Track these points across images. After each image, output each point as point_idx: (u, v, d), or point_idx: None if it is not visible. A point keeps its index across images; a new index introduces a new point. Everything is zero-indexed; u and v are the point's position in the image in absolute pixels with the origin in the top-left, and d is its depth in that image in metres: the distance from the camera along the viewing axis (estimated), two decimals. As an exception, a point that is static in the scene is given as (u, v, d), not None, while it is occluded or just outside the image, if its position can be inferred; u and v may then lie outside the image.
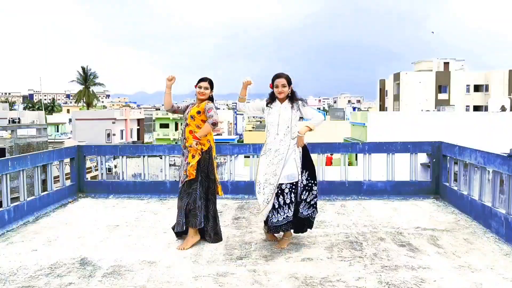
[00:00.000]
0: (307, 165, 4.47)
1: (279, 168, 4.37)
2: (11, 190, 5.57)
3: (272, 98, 4.51)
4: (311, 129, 4.42)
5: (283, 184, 4.36)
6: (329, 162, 24.69)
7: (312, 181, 4.47)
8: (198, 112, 4.67)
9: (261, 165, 4.51)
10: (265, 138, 4.58)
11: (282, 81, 4.41)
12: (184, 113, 4.86)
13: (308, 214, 4.47)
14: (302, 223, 4.53)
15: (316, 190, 4.50)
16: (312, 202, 4.47)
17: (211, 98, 4.77)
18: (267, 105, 4.53)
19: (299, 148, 4.45)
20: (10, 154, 19.23)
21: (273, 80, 4.47)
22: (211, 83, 4.75)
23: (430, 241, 4.67)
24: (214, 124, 4.66)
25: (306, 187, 4.44)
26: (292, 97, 4.47)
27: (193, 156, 4.64)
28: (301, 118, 4.54)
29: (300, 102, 4.48)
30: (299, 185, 4.41)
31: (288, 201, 4.36)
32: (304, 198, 4.43)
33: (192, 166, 4.60)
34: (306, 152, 4.50)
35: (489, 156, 5.20)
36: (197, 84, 4.75)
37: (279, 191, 4.37)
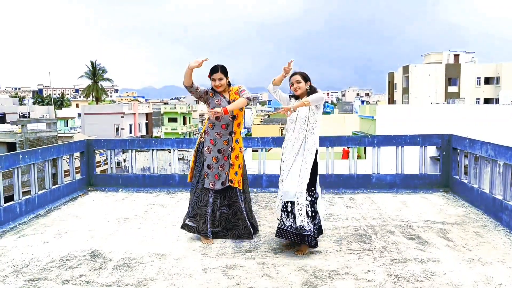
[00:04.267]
0: (314, 178, 4.24)
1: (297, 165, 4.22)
2: (22, 183, 5.64)
3: (295, 96, 4.44)
4: (305, 104, 4.23)
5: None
6: (345, 155, 24.51)
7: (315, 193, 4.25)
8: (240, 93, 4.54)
9: (282, 159, 4.40)
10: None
11: (296, 77, 4.35)
12: (204, 98, 4.52)
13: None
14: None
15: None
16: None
17: (229, 84, 4.56)
18: (290, 98, 4.48)
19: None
20: (20, 148, 19.44)
21: (290, 77, 4.40)
22: (223, 70, 4.46)
23: (440, 234, 4.65)
24: (249, 99, 4.50)
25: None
26: (310, 94, 4.34)
27: (236, 157, 4.51)
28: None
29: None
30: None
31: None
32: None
33: (239, 175, 4.52)
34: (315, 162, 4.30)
35: (500, 149, 5.15)
36: (210, 75, 4.49)
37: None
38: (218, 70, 4.45)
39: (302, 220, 4.06)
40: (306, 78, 4.36)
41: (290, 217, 4.17)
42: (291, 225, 4.15)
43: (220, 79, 4.46)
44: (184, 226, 4.59)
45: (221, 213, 4.58)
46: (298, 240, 4.15)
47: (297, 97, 4.41)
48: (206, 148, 4.52)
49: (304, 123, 4.29)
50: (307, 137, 4.27)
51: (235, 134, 4.55)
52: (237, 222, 4.57)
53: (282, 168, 4.32)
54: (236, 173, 4.55)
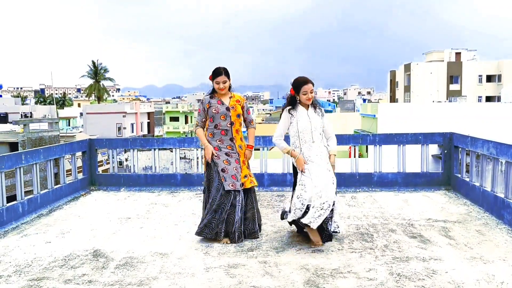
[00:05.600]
0: None
1: (330, 177, 4.22)
2: (24, 183, 5.65)
3: (292, 103, 4.33)
4: (335, 155, 4.41)
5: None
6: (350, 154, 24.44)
7: None
8: (242, 108, 4.60)
9: (305, 178, 4.21)
10: (298, 147, 4.32)
11: (311, 87, 4.25)
12: (210, 111, 4.53)
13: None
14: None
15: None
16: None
17: (229, 87, 4.60)
18: (289, 112, 4.33)
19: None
20: (22, 148, 19.47)
21: (299, 86, 4.24)
22: (227, 73, 4.51)
23: (442, 233, 4.65)
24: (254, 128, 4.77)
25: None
26: (313, 102, 4.36)
27: (243, 162, 4.58)
28: None
29: (321, 108, 4.42)
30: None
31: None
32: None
33: (249, 176, 4.57)
34: None
35: (502, 147, 5.14)
36: (212, 78, 4.52)
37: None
38: (222, 73, 4.50)
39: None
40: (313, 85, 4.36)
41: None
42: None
43: (224, 82, 4.51)
44: (200, 233, 4.51)
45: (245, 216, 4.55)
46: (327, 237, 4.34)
47: (295, 104, 4.32)
48: (214, 155, 4.51)
49: (321, 134, 4.34)
50: (325, 148, 4.34)
51: (235, 140, 4.59)
52: (247, 222, 4.57)
53: (315, 184, 4.17)
54: (245, 176, 4.57)
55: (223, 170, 4.45)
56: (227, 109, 4.52)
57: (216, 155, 4.49)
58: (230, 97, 4.60)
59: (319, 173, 4.20)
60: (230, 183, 4.41)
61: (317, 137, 4.29)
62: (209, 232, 4.45)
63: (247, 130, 4.85)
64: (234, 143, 4.56)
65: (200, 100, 4.70)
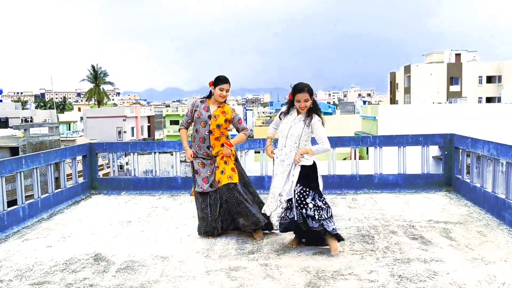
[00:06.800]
0: (306, 182, 4.20)
1: (282, 181, 4.28)
2: (25, 188, 5.66)
3: (289, 107, 4.33)
4: (309, 154, 4.20)
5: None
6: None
7: (306, 195, 4.17)
8: (226, 121, 4.63)
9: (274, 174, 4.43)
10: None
11: (306, 96, 4.14)
12: (194, 115, 4.66)
13: (316, 227, 4.14)
14: (317, 236, 4.28)
15: (314, 205, 4.14)
16: (316, 217, 4.12)
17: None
18: (279, 116, 4.40)
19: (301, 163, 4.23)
20: (23, 152, 19.48)
21: (294, 92, 4.21)
22: (230, 83, 4.65)
23: (443, 234, 4.64)
24: (249, 137, 4.82)
25: (299, 202, 4.17)
26: (311, 109, 4.23)
27: (225, 162, 4.62)
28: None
29: (315, 117, 4.20)
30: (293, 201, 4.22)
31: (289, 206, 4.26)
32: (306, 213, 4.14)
33: (233, 169, 4.63)
34: (314, 169, 4.26)
35: (502, 148, 5.14)
36: (216, 84, 4.57)
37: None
38: (228, 81, 4.61)
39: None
40: (312, 94, 4.21)
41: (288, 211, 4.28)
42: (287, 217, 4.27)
43: (227, 90, 4.62)
44: (199, 232, 4.80)
45: (223, 210, 4.70)
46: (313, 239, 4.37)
47: (292, 107, 4.29)
48: (192, 157, 4.74)
49: (295, 143, 4.22)
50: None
51: (213, 147, 4.64)
52: (236, 216, 4.64)
53: (273, 182, 4.39)
54: (222, 172, 4.61)
55: (196, 172, 4.70)
56: (209, 117, 4.61)
57: (194, 157, 4.70)
58: (219, 107, 4.65)
59: (278, 176, 4.33)
60: (200, 185, 4.66)
61: (290, 144, 4.23)
62: (207, 227, 4.69)
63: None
64: (211, 151, 4.65)
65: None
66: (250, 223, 4.57)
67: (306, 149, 4.21)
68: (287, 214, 4.25)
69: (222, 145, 4.65)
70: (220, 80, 4.58)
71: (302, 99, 4.16)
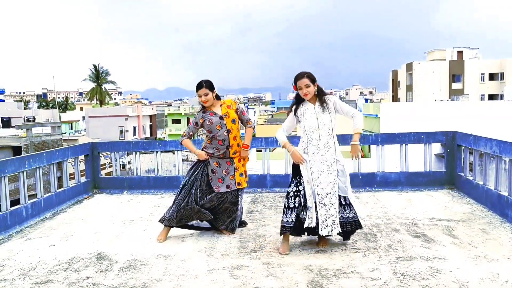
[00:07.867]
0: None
1: (331, 177, 4.12)
2: (28, 187, 5.67)
3: (299, 101, 4.20)
4: (360, 133, 4.21)
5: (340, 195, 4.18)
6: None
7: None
8: (236, 112, 4.66)
9: (304, 174, 4.13)
10: (305, 142, 4.17)
11: (305, 81, 4.07)
12: (205, 124, 4.61)
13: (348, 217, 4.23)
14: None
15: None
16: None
17: (217, 97, 4.69)
18: (296, 111, 4.19)
19: (355, 158, 4.28)
20: (25, 152, 19.53)
21: (295, 82, 4.13)
22: (208, 86, 4.55)
23: (446, 232, 4.63)
24: (252, 127, 4.83)
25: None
26: (320, 95, 4.16)
27: (239, 161, 4.69)
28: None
29: (331, 98, 4.15)
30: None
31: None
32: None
33: (245, 172, 4.73)
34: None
35: (505, 145, 5.12)
36: (196, 91, 4.60)
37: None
38: (203, 85, 4.57)
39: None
40: (313, 80, 4.12)
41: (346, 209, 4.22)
42: (348, 216, 4.21)
43: (206, 94, 4.56)
44: (164, 220, 4.71)
45: (215, 209, 4.69)
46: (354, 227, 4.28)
47: (299, 102, 4.18)
48: (208, 156, 4.69)
49: (330, 129, 4.13)
50: (335, 145, 4.17)
51: (232, 147, 4.65)
52: (225, 217, 4.71)
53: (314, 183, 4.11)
54: (241, 174, 4.72)
55: (212, 171, 4.65)
56: (221, 118, 4.60)
57: (209, 156, 4.68)
58: (221, 105, 4.67)
59: (323, 173, 4.12)
60: (216, 185, 4.63)
61: (324, 134, 4.13)
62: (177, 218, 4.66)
63: (245, 130, 4.90)
64: (229, 150, 4.64)
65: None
66: (231, 227, 4.75)
67: (354, 134, 4.18)
68: (347, 213, 4.19)
69: (238, 145, 4.68)
70: (196, 87, 4.61)
71: (303, 85, 4.08)
